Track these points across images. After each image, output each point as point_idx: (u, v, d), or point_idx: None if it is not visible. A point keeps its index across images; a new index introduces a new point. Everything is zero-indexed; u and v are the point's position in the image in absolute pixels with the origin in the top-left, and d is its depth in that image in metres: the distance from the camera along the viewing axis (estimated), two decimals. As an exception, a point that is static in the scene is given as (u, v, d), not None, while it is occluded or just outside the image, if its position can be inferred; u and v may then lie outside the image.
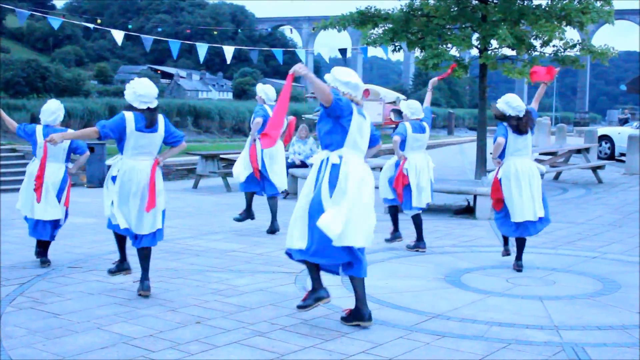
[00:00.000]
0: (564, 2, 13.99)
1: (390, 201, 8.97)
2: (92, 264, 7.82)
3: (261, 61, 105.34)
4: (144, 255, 6.48)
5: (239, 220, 10.04)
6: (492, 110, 7.76)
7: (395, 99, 34.38)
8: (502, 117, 7.58)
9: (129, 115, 6.29)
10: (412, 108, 8.72)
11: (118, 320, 5.67)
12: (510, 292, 6.68)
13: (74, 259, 8.13)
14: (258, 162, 9.65)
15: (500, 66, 15.10)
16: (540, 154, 17.26)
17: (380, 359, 4.80)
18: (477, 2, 14.73)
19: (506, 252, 8.09)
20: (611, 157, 21.69)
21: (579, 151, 17.26)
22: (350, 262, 5.56)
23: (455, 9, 14.74)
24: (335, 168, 5.43)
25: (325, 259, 5.48)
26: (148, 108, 6.35)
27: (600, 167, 16.51)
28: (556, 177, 16.78)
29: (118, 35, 23.13)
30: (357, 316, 5.57)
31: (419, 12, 14.86)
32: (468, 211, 11.85)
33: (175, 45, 23.79)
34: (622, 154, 20.41)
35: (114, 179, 6.40)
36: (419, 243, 8.75)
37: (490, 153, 7.84)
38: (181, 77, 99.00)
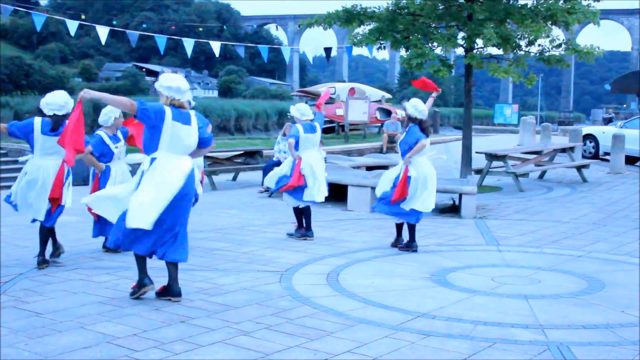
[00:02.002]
0: (550, 2, 14.02)
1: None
2: (75, 263, 7.75)
3: (247, 59, 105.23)
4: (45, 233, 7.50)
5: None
6: (406, 112, 8.57)
7: (380, 98, 34.45)
8: (413, 120, 8.49)
9: (37, 120, 7.33)
10: (300, 110, 9.53)
11: (101, 319, 5.62)
12: (496, 291, 6.68)
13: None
14: None
15: (485, 65, 15.12)
16: (525, 152, 17.30)
17: (366, 358, 4.78)
18: (463, 1, 14.74)
19: (397, 244, 8.79)
20: (596, 156, 21.76)
21: (563, 150, 17.30)
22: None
23: (441, 7, 14.75)
24: (144, 173, 6.00)
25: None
26: (54, 114, 7.28)
27: (585, 166, 16.55)
28: (541, 176, 16.82)
29: (103, 32, 22.90)
30: (170, 292, 6.19)
31: (405, 11, 14.85)
32: (453, 210, 11.86)
33: (161, 41, 23.71)
34: (607, 153, 20.48)
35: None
36: (308, 232, 9.33)
37: (414, 147, 8.39)
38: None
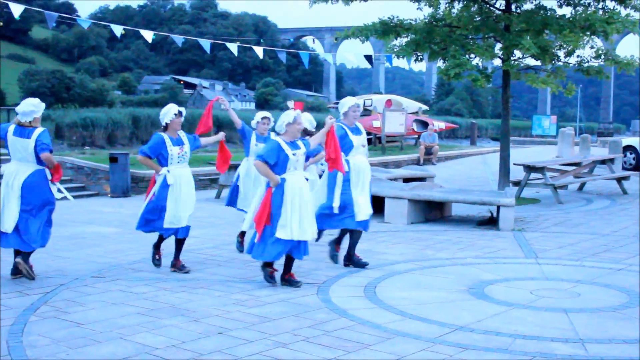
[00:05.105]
0: (588, 12, 13.89)
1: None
2: (115, 274, 7.85)
3: (283, 71, 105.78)
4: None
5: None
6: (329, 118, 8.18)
7: (417, 110, 34.30)
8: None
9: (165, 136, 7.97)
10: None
11: (141, 330, 5.68)
12: (535, 304, 6.62)
13: (97, 268, 8.18)
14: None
15: (523, 76, 15.03)
16: (564, 164, 17.12)
17: (403, 372, 4.77)
18: (500, 12, 14.68)
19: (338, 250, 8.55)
20: (636, 167, 21.47)
21: (603, 162, 17.10)
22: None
23: (479, 19, 14.70)
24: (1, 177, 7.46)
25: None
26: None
27: (625, 178, 16.34)
28: (580, 188, 16.64)
29: (147, 35, 23.38)
30: (15, 271, 7.53)
31: (442, 23, 14.81)
32: (491, 222, 11.78)
33: (206, 44, 24.26)
34: (647, 165, 20.23)
35: None
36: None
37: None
38: (204, 87, 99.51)
